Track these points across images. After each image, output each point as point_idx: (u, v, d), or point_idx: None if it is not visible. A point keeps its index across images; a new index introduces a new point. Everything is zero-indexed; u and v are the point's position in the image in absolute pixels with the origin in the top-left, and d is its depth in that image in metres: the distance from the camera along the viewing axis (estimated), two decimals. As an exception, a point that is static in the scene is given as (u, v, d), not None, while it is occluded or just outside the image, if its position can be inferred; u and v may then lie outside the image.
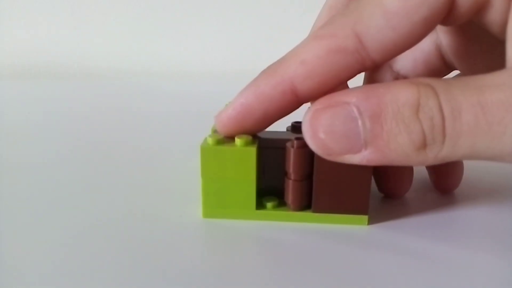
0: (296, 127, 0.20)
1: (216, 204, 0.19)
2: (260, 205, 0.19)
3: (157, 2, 0.60)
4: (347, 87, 0.19)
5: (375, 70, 0.21)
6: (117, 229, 0.18)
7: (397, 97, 0.14)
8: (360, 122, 0.15)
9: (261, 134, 0.19)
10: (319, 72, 0.16)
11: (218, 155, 0.18)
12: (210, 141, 0.18)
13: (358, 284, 0.15)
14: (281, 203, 0.19)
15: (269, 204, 0.19)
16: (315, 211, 0.19)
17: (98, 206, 0.20)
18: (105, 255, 0.16)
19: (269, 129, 0.21)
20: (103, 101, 0.46)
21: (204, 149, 0.18)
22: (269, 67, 0.17)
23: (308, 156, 0.18)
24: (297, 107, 0.17)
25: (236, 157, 0.18)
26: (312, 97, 0.17)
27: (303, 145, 0.18)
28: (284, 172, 0.19)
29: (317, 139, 0.16)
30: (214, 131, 0.19)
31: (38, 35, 0.62)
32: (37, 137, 0.33)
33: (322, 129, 0.15)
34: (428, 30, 0.15)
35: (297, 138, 0.18)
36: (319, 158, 0.18)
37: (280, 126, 0.24)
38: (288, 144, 0.18)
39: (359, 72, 0.16)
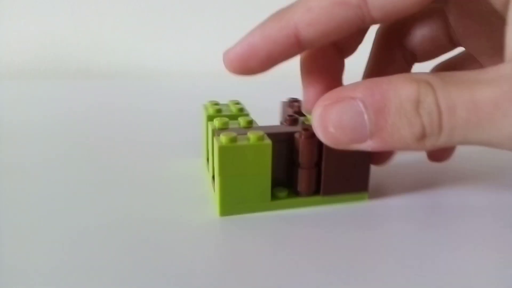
0: (294, 120, 0.21)
1: (232, 201, 0.19)
2: (273, 196, 0.20)
3: (157, 2, 0.59)
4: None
5: (386, 45, 0.23)
6: (131, 232, 0.18)
7: (399, 93, 0.16)
8: (366, 116, 0.16)
9: (263, 130, 0.20)
10: (322, 20, 0.17)
11: (236, 152, 0.18)
12: (224, 140, 0.18)
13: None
14: (290, 192, 0.21)
15: (281, 194, 0.20)
16: (324, 194, 0.20)
17: (100, 206, 0.20)
18: (122, 256, 0.16)
19: (263, 123, 0.22)
20: (103, 101, 0.45)
21: (222, 148, 0.18)
22: (277, 12, 0.18)
23: (316, 145, 0.19)
24: (299, 53, 0.18)
25: (253, 153, 0.19)
26: (313, 45, 0.18)
27: (312, 135, 0.19)
28: (293, 162, 0.20)
29: (327, 133, 0.17)
30: (214, 129, 0.20)
31: (38, 34, 0.59)
32: (37, 137, 0.32)
33: (332, 123, 0.17)
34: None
35: (304, 129, 0.20)
36: (327, 146, 0.19)
37: (274, 120, 0.25)
38: (297, 135, 0.19)
39: (358, 28, 0.17)
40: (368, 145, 0.17)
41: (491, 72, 0.15)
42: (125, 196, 0.21)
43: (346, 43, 0.21)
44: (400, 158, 0.27)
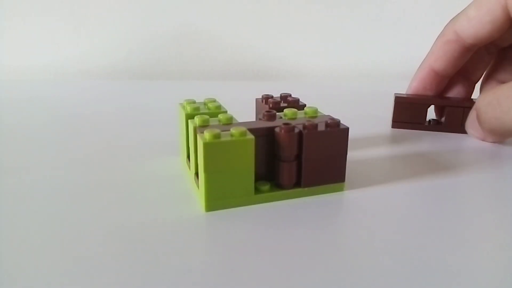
0: (272, 115, 0.22)
1: (217, 196, 0.20)
2: (256, 190, 0.21)
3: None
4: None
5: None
6: (119, 233, 0.18)
7: (471, 113, 0.30)
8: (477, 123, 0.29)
9: (244, 125, 0.21)
10: (442, 57, 0.30)
11: (220, 148, 0.19)
12: (208, 136, 0.19)
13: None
14: (272, 185, 0.21)
15: (264, 188, 0.21)
16: (305, 186, 0.21)
17: (83, 209, 0.20)
18: (112, 256, 0.16)
19: (242, 119, 0.22)
20: (102, 101, 0.44)
21: (207, 144, 0.19)
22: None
23: (296, 139, 0.20)
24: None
25: (237, 148, 0.19)
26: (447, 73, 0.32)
27: (291, 130, 0.20)
28: (274, 156, 0.21)
29: (471, 134, 0.31)
30: (196, 127, 0.20)
31: (37, 34, 0.59)
32: (37, 137, 0.31)
33: (470, 130, 0.30)
34: (495, 27, 0.27)
35: (285, 124, 0.20)
36: (307, 140, 0.20)
37: (249, 117, 0.25)
38: (278, 130, 0.20)
39: (464, 51, 0.29)
40: (489, 139, 0.30)
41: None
42: (107, 198, 0.21)
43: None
44: (373, 151, 0.29)
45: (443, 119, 0.33)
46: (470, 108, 0.30)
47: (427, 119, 0.33)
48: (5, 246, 0.17)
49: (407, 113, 0.33)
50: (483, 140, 0.30)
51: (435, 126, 0.33)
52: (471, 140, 0.31)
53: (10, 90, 0.48)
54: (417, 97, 0.33)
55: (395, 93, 0.34)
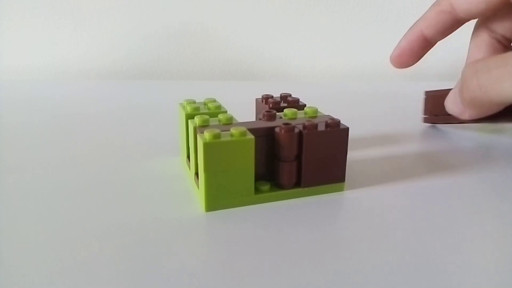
0: (272, 115, 0.22)
1: (217, 196, 0.20)
2: (256, 190, 0.21)
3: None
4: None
5: (479, 34, 0.31)
6: (121, 233, 0.18)
7: (460, 79, 0.25)
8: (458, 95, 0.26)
9: (244, 125, 0.21)
10: (433, 24, 0.29)
11: (220, 148, 0.19)
12: (208, 136, 0.19)
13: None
14: (272, 185, 0.21)
15: (264, 188, 0.21)
16: (305, 186, 0.21)
17: (85, 209, 0.20)
18: (113, 256, 0.16)
19: (242, 119, 0.23)
20: (102, 101, 0.44)
21: (207, 144, 0.19)
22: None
23: (296, 139, 0.20)
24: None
25: (237, 148, 0.19)
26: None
27: (292, 130, 0.20)
28: (274, 156, 0.21)
29: (448, 108, 0.28)
30: (196, 127, 0.20)
31: (37, 35, 0.59)
32: (37, 137, 0.31)
33: (449, 106, 0.28)
34: (489, 7, 0.26)
35: (285, 124, 0.20)
36: (307, 140, 0.20)
37: (249, 117, 0.25)
38: (278, 130, 0.20)
39: (455, 22, 0.29)
40: (466, 114, 0.26)
41: None
42: (107, 198, 0.21)
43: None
44: (373, 151, 0.29)
45: None
46: None
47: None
48: (5, 245, 0.17)
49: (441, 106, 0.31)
50: (459, 116, 0.28)
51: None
52: (471, 140, 0.31)
53: (10, 90, 0.48)
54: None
55: (426, 91, 0.34)
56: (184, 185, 0.23)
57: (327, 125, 0.21)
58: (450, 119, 0.31)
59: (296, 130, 0.20)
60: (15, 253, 0.17)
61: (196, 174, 0.21)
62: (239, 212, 0.20)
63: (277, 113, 0.23)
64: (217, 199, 0.20)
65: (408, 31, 0.32)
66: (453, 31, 0.31)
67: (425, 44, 0.31)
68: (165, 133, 0.31)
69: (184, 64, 0.61)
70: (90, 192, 0.22)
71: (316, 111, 0.23)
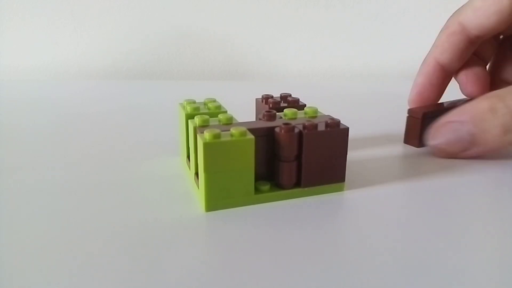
0: (272, 115, 0.22)
1: (217, 196, 0.20)
2: (256, 190, 0.21)
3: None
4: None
5: (501, 50, 0.31)
6: (121, 233, 0.18)
7: (477, 109, 0.24)
8: (465, 131, 0.25)
9: (244, 125, 0.21)
10: (447, 48, 0.28)
11: (220, 148, 0.19)
12: (208, 136, 0.19)
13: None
14: (272, 185, 0.21)
15: (264, 188, 0.21)
16: (305, 186, 0.21)
17: (84, 209, 0.20)
18: (114, 256, 0.16)
19: (242, 119, 0.23)
20: (102, 101, 0.44)
21: (207, 144, 0.19)
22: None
23: (296, 138, 0.20)
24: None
25: (237, 148, 0.19)
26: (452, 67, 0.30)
27: (292, 129, 0.20)
28: (274, 156, 0.21)
29: (440, 149, 0.26)
30: (196, 127, 0.20)
31: (37, 36, 0.59)
32: (36, 137, 0.31)
33: (442, 142, 0.26)
34: (502, 17, 0.26)
35: (285, 124, 0.20)
36: (307, 140, 0.20)
37: (249, 117, 0.25)
38: (278, 130, 0.20)
39: (469, 43, 0.28)
40: (472, 152, 0.25)
41: None
42: (107, 198, 0.21)
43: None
44: (373, 151, 0.29)
45: None
46: None
47: None
48: (6, 245, 0.17)
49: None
50: (459, 153, 0.26)
51: None
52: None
53: (10, 90, 0.48)
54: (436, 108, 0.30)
55: (409, 109, 0.30)
56: (184, 185, 0.23)
57: (327, 125, 0.21)
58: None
59: (296, 130, 0.20)
60: (15, 253, 0.17)
61: (196, 174, 0.21)
62: (239, 212, 0.20)
63: (277, 113, 0.23)
64: (217, 199, 0.20)
65: (422, 64, 0.30)
66: (469, 55, 0.29)
67: (443, 75, 0.29)
68: (165, 133, 0.31)
69: (184, 64, 0.61)
70: (89, 192, 0.22)
71: (316, 111, 0.23)
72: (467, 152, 0.25)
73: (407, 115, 0.30)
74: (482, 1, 0.26)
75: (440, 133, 0.26)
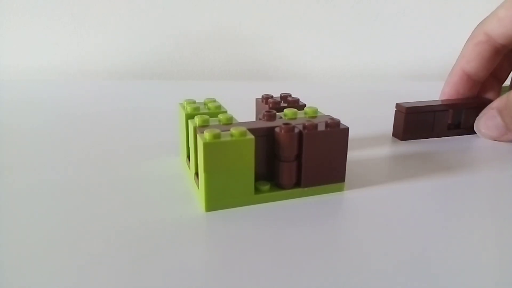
0: (272, 115, 0.22)
1: (217, 196, 0.20)
2: (256, 190, 0.21)
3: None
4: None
5: None
6: (121, 233, 0.18)
7: (507, 100, 0.26)
8: (499, 118, 0.28)
9: (244, 125, 0.21)
10: (473, 57, 0.30)
11: (220, 148, 0.19)
12: (208, 136, 0.19)
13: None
14: (272, 185, 0.21)
15: (264, 188, 0.21)
16: (305, 186, 0.21)
17: (85, 209, 0.20)
18: (114, 255, 0.16)
19: (242, 119, 0.23)
20: (102, 101, 0.44)
21: (207, 144, 0.19)
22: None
23: (296, 139, 0.20)
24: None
25: (237, 148, 0.19)
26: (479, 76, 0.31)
27: (292, 129, 0.20)
28: (274, 156, 0.21)
29: (481, 132, 0.29)
30: (196, 127, 0.20)
31: (37, 35, 0.59)
32: (36, 137, 0.31)
33: (482, 127, 0.29)
34: (491, 60, 0.29)
35: (285, 124, 0.20)
36: (307, 140, 0.20)
37: (249, 117, 0.25)
38: (278, 130, 0.20)
39: (495, 52, 0.29)
40: (509, 136, 0.28)
41: None
42: (107, 198, 0.21)
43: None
44: (373, 151, 0.29)
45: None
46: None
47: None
48: (6, 245, 0.17)
49: (417, 122, 0.31)
50: (498, 138, 0.29)
51: (452, 131, 0.32)
52: (471, 140, 0.31)
53: (10, 90, 0.48)
54: (426, 104, 0.31)
55: (397, 103, 0.31)
56: (184, 185, 0.23)
57: (327, 125, 0.21)
58: (431, 134, 0.31)
59: (296, 130, 0.20)
60: (16, 253, 0.17)
61: (196, 174, 0.21)
62: (239, 212, 0.20)
63: (277, 113, 0.23)
64: (217, 199, 0.20)
65: (449, 74, 0.31)
66: (495, 64, 0.30)
67: (470, 84, 0.30)
68: (165, 133, 0.31)
69: (184, 64, 0.61)
70: (89, 192, 0.22)
71: (316, 111, 0.23)
72: (505, 137, 0.28)
73: (395, 109, 0.31)
74: (506, 11, 0.28)
75: (482, 118, 0.28)
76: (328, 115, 0.23)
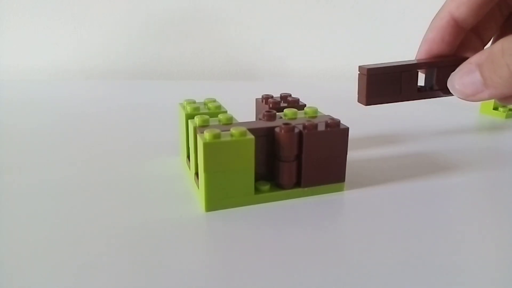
0: (272, 115, 0.22)
1: (217, 196, 0.20)
2: (256, 190, 0.21)
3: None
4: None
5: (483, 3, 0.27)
6: (122, 232, 0.18)
7: (491, 50, 0.22)
8: (478, 73, 0.23)
9: (244, 125, 0.21)
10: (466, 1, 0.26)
11: (220, 148, 0.19)
12: (208, 136, 0.19)
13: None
14: (272, 185, 0.21)
15: (264, 188, 0.21)
16: (305, 186, 0.21)
17: (85, 209, 0.20)
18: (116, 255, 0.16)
19: (242, 119, 0.22)
20: (103, 101, 0.44)
21: (207, 144, 0.19)
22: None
23: (295, 139, 0.20)
24: (462, 34, 0.27)
25: (237, 148, 0.19)
26: (468, 23, 0.26)
27: (292, 130, 0.20)
28: (274, 156, 0.21)
29: (455, 89, 0.24)
30: (196, 127, 0.20)
31: (37, 34, 0.59)
32: (37, 137, 0.31)
33: (457, 83, 0.24)
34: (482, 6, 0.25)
35: (285, 124, 0.20)
36: (307, 140, 0.20)
37: (249, 117, 0.25)
38: (278, 130, 0.20)
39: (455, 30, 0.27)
40: (485, 94, 0.23)
41: None
42: (107, 198, 0.21)
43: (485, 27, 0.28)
44: (373, 151, 0.29)
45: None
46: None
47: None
48: (6, 245, 0.17)
49: (383, 85, 0.27)
50: (473, 96, 0.24)
51: (423, 93, 0.28)
52: (471, 140, 0.31)
53: (10, 90, 0.48)
54: (391, 65, 0.28)
55: (360, 66, 0.28)
56: (184, 185, 0.23)
57: (327, 125, 0.21)
58: (399, 98, 0.27)
59: (296, 130, 0.20)
60: (16, 253, 0.17)
61: (196, 174, 0.21)
62: (239, 212, 0.20)
63: (277, 113, 0.23)
64: (217, 199, 0.20)
65: (434, 18, 0.27)
66: (484, 12, 0.27)
67: (457, 31, 0.27)
68: (165, 133, 0.31)
69: (184, 64, 0.61)
70: (90, 192, 0.22)
71: (316, 111, 0.23)
72: (480, 94, 0.24)
73: (358, 72, 0.28)
74: None
75: (458, 73, 0.25)
76: (328, 115, 0.23)
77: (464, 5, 0.26)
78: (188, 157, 0.24)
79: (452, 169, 0.26)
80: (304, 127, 0.20)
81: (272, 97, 0.27)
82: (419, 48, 0.29)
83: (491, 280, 0.15)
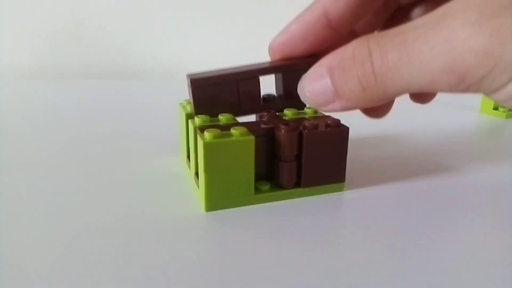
0: (272, 115, 0.22)
1: (217, 196, 0.20)
2: (256, 190, 0.21)
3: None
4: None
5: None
6: (121, 232, 0.18)
7: (344, 53, 0.17)
8: (329, 80, 0.17)
9: (244, 125, 0.21)
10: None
11: (221, 148, 0.19)
12: (208, 136, 0.19)
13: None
14: (272, 185, 0.21)
15: (264, 188, 0.21)
16: (305, 186, 0.21)
17: (85, 208, 0.20)
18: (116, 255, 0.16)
19: (242, 119, 0.22)
20: (103, 101, 0.44)
21: (207, 144, 0.19)
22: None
23: (296, 139, 0.20)
24: (333, 36, 0.21)
25: (237, 148, 0.19)
26: (343, 24, 0.21)
27: (292, 130, 0.20)
28: (274, 156, 0.21)
29: (305, 97, 0.19)
30: (196, 127, 0.20)
31: (37, 33, 0.59)
32: (37, 137, 0.32)
33: (307, 89, 0.18)
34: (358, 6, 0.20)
35: (284, 124, 0.20)
36: (307, 140, 0.20)
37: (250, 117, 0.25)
38: (278, 130, 0.20)
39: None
40: (336, 105, 0.18)
41: (423, 17, 0.16)
42: (107, 198, 0.21)
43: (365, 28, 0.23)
44: (373, 151, 0.29)
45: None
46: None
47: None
48: (6, 245, 0.17)
49: (213, 98, 0.22)
50: (323, 106, 0.18)
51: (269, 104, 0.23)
52: (471, 140, 0.31)
53: (10, 90, 0.48)
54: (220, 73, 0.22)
55: (188, 74, 0.23)
56: (184, 185, 0.23)
57: (327, 125, 0.21)
58: (239, 111, 0.23)
59: (296, 130, 0.20)
60: (16, 252, 0.17)
61: (196, 174, 0.21)
62: (239, 212, 0.20)
63: (277, 113, 0.23)
64: (217, 199, 0.20)
65: (303, 11, 0.21)
66: (364, 14, 0.21)
67: (325, 32, 0.21)
68: (165, 133, 0.31)
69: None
70: (90, 192, 0.22)
71: (316, 111, 0.23)
72: (332, 105, 0.18)
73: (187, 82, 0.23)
74: None
75: (308, 78, 0.19)
76: (328, 115, 0.23)
77: (340, 1, 0.21)
78: (188, 157, 0.24)
79: (452, 169, 0.26)
80: (304, 127, 0.20)
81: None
82: (275, 37, 0.22)
83: (492, 280, 0.15)
